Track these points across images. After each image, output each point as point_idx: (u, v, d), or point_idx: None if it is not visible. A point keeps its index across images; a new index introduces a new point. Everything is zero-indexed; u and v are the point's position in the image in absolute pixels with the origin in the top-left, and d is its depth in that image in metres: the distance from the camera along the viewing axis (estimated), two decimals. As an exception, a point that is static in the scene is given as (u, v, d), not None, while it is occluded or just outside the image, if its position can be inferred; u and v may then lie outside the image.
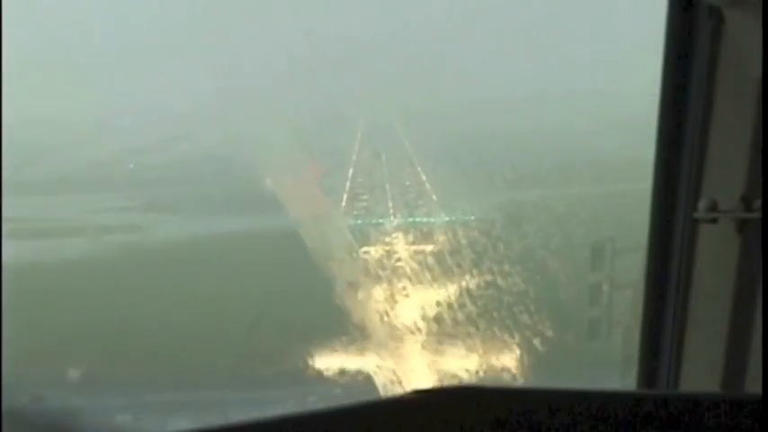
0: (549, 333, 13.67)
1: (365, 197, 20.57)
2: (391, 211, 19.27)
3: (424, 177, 21.36)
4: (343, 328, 15.06)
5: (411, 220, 18.33)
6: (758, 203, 3.05)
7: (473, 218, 17.54)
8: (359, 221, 18.69)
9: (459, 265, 15.39)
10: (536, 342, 13.55)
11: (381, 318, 14.86)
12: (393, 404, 2.08)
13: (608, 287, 12.10)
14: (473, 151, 21.33)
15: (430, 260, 15.76)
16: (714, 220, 3.22)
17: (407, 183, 21.43)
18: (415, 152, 23.57)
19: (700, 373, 3.44)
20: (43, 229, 23.73)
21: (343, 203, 20.18)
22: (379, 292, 15.42)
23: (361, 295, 15.46)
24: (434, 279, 15.29)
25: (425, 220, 18.21)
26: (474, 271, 15.25)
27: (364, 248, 16.86)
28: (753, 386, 3.15)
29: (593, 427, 1.89)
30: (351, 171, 22.96)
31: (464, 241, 16.11)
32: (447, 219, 17.95)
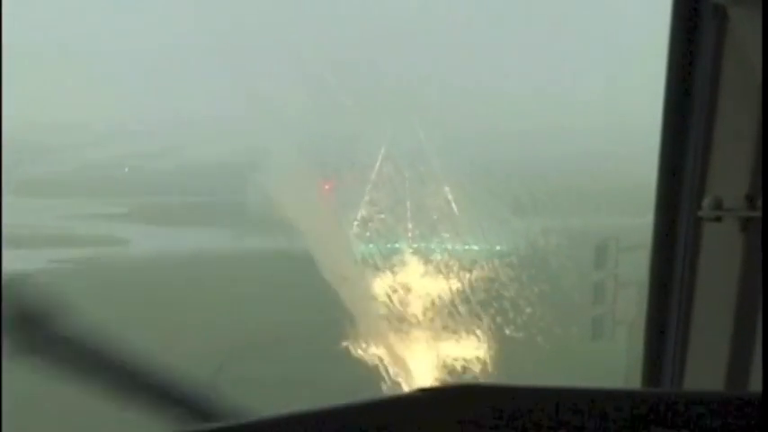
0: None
1: (382, 217, 18.07)
2: (410, 235, 17.01)
3: (450, 198, 19.36)
4: (334, 385, 11.98)
5: (433, 246, 16.23)
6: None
7: (503, 247, 15.77)
8: (371, 245, 16.18)
9: (487, 307, 13.45)
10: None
11: (391, 369, 12.33)
12: (398, 402, 2.09)
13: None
14: (504, 178, 19.66)
15: (453, 297, 13.66)
16: (718, 219, 3.22)
17: (431, 206, 19.05)
18: (443, 176, 21.43)
19: (704, 372, 3.44)
20: (10, 235, 19.75)
21: (356, 224, 17.78)
22: (389, 333, 13.02)
23: (366, 342, 12.75)
24: (458, 319, 13.27)
25: (449, 247, 16.22)
26: (502, 314, 13.47)
27: (376, 278, 14.35)
28: (757, 385, 3.15)
29: (598, 426, 1.90)
30: (369, 190, 20.41)
31: (490, 274, 14.31)
32: (473, 247, 16.07)
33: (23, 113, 27.41)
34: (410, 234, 16.90)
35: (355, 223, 17.58)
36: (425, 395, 1.97)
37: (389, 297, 13.83)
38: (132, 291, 18.32)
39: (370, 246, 16.11)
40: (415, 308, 13.92)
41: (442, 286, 14.55)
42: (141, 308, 16.92)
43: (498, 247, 16.14)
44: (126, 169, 29.49)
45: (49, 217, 24.90)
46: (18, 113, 26.76)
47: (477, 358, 13.11)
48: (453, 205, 18.57)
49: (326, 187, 19.06)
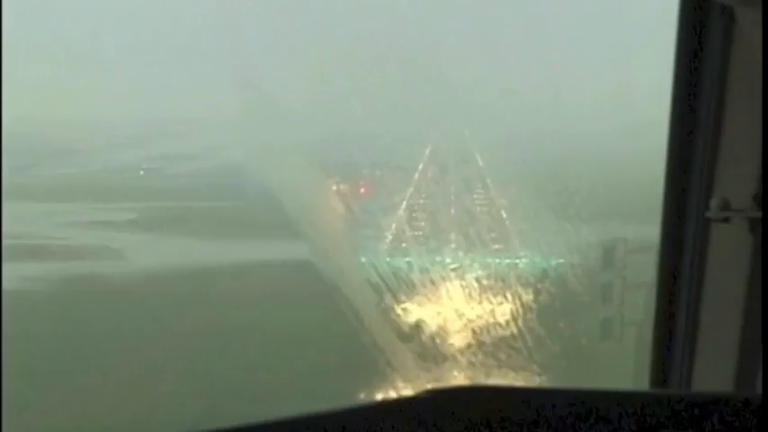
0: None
1: (421, 225, 16.16)
2: (453, 246, 15.07)
3: (499, 205, 17.32)
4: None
5: (480, 261, 14.32)
6: None
7: (560, 261, 14.18)
8: (407, 260, 14.25)
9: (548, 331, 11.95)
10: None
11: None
12: (406, 403, 2.10)
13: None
14: (560, 180, 17.84)
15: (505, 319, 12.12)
16: (726, 219, 3.21)
17: (477, 214, 16.94)
18: (490, 179, 19.20)
19: (712, 373, 3.43)
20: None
21: (390, 235, 15.74)
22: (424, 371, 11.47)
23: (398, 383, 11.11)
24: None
25: (498, 261, 14.38)
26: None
27: (409, 301, 12.67)
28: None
29: (606, 427, 1.90)
30: (406, 196, 17.82)
31: (548, 293, 12.77)
32: (527, 260, 14.38)
33: (52, 114, 26.62)
34: (452, 245, 15.16)
35: (389, 233, 15.65)
36: (433, 396, 1.98)
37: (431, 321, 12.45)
38: (129, 307, 16.78)
39: (407, 260, 14.17)
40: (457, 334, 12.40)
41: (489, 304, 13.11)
42: (126, 345, 15.13)
43: (547, 260, 14.64)
44: (141, 172, 27.98)
45: (48, 224, 23.11)
46: (45, 113, 26.02)
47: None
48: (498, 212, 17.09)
49: (362, 191, 17.15)
